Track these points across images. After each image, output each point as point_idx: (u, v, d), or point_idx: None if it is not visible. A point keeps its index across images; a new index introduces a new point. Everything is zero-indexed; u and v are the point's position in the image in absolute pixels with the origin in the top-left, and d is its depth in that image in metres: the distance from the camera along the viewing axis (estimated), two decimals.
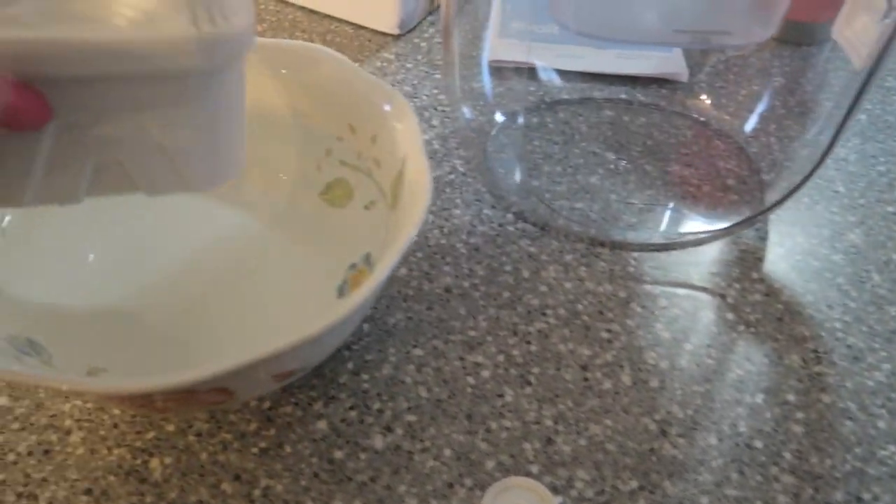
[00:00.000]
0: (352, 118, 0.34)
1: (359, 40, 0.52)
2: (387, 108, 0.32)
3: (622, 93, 0.48)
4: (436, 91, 0.48)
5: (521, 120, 0.45)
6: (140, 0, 0.22)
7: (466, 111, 0.42)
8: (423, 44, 0.52)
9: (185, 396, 0.25)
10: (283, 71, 0.35)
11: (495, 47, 0.47)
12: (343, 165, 0.35)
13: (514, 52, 0.47)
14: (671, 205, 0.40)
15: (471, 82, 0.43)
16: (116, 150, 0.25)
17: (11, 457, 0.29)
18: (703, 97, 0.47)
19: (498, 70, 0.47)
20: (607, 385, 0.33)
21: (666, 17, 0.27)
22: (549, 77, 0.47)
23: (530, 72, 0.47)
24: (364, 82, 0.33)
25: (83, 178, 0.25)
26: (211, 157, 0.27)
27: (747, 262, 0.38)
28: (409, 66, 0.50)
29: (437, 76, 0.49)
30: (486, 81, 0.43)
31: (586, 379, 0.33)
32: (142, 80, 0.23)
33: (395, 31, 0.52)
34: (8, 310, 0.28)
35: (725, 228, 0.39)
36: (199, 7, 0.22)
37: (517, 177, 0.42)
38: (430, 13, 0.54)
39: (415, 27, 0.53)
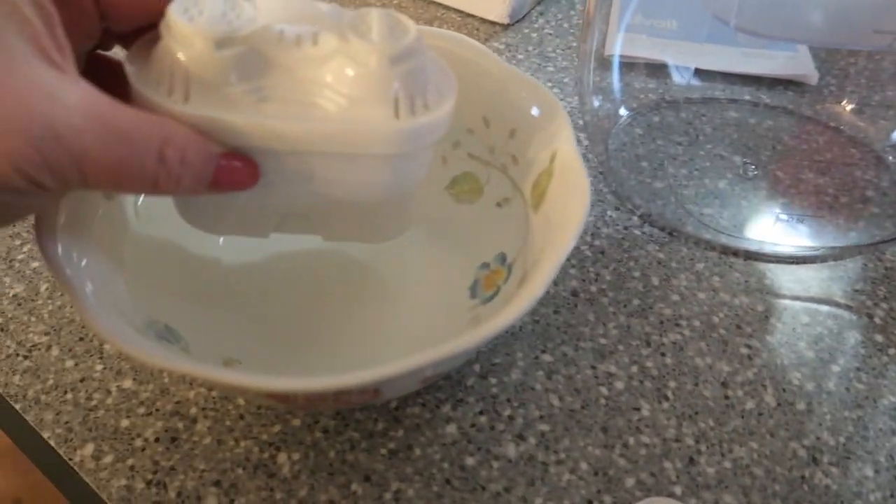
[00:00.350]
0: (487, 111, 0.33)
1: (466, 29, 0.51)
2: (530, 102, 0.31)
3: (746, 93, 0.45)
4: (549, 84, 0.46)
5: (643, 118, 0.43)
6: (348, 82, 0.23)
7: (597, 106, 0.40)
8: (534, 34, 0.50)
9: (336, 395, 0.24)
10: None
11: (614, 41, 0.45)
12: (472, 159, 0.34)
13: (632, 47, 0.45)
14: (807, 215, 0.38)
15: (592, 76, 0.41)
16: (306, 208, 0.27)
17: (139, 442, 0.29)
18: (835, 102, 0.44)
19: (610, 64, 0.45)
20: (750, 405, 0.31)
21: (866, 17, 0.25)
22: (673, 75, 0.45)
23: (650, 68, 0.45)
24: (505, 73, 0.31)
25: (272, 222, 0.28)
26: (388, 218, 0.29)
27: (894, 280, 0.36)
28: (520, 56, 0.48)
29: (550, 68, 0.47)
30: (615, 77, 0.41)
31: (727, 397, 0.31)
32: (339, 156, 0.24)
33: (505, 21, 0.50)
34: (145, 293, 0.28)
35: (870, 244, 0.36)
36: (402, 95, 0.23)
37: (641, 178, 0.40)
38: (539, 2, 0.53)
39: (524, 17, 0.52)
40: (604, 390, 0.31)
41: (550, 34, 0.50)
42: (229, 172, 0.23)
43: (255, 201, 0.26)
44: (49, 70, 0.19)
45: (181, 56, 0.22)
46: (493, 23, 0.51)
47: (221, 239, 0.33)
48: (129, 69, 0.23)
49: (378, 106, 0.23)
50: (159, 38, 0.23)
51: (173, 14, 0.22)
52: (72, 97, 0.19)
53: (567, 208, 0.27)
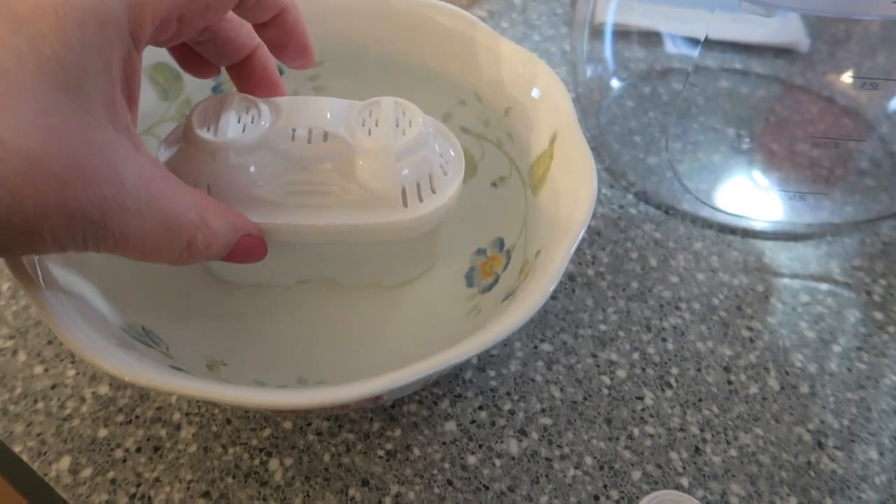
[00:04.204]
0: (479, 86, 0.31)
1: None
2: (527, 80, 0.29)
3: (736, 62, 0.44)
4: (536, 54, 0.44)
5: (634, 89, 0.41)
6: (358, 175, 0.25)
7: (589, 77, 0.38)
8: (517, 0, 0.48)
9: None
10: (402, 24, 0.31)
11: (605, 8, 0.43)
12: (464, 133, 0.32)
13: (623, 15, 0.43)
14: (803, 190, 0.37)
15: (586, 45, 0.40)
16: (334, 274, 0.31)
17: (119, 453, 0.27)
18: (827, 69, 0.43)
19: (601, 33, 0.43)
20: (754, 389, 0.30)
21: None
22: (664, 43, 0.43)
23: (641, 36, 0.43)
24: (500, 48, 0.29)
25: (295, 278, 0.31)
26: (406, 272, 0.31)
27: (892, 255, 0.35)
28: (504, 25, 0.46)
29: (536, 37, 0.45)
30: (608, 46, 0.40)
31: (730, 382, 0.30)
32: (354, 243, 0.27)
33: None
34: (119, 293, 0.25)
35: (867, 220, 0.36)
36: (409, 185, 0.25)
37: (635, 153, 0.38)
38: None
39: None
40: (606, 379, 0.30)
41: (535, 0, 0.48)
42: (243, 252, 0.24)
43: (281, 265, 0.28)
44: (116, 137, 0.19)
45: (202, 164, 0.24)
46: None
47: None
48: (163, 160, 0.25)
49: (387, 196, 0.25)
50: (183, 139, 0.25)
51: (193, 126, 0.24)
52: (133, 174, 0.19)
53: (571, 195, 0.25)
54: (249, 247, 0.24)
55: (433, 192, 0.26)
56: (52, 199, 0.17)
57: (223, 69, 0.27)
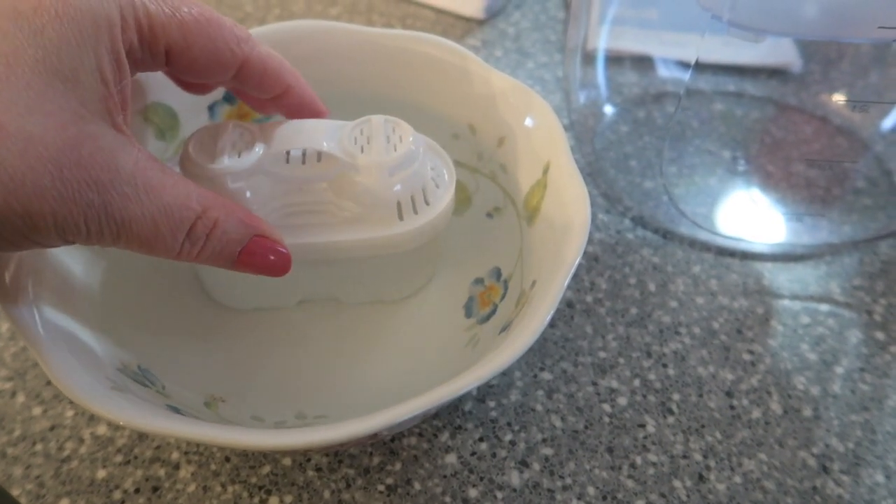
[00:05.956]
0: (473, 118, 0.31)
1: (441, 26, 0.48)
2: (520, 110, 0.29)
3: (730, 84, 0.44)
4: (530, 81, 0.44)
5: (628, 114, 0.42)
6: (353, 193, 0.26)
7: (583, 103, 0.38)
8: (511, 29, 0.48)
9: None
10: (392, 61, 0.31)
11: (597, 35, 0.43)
12: (459, 166, 0.32)
13: (614, 40, 0.43)
14: (801, 211, 0.37)
15: (578, 72, 0.40)
16: (335, 292, 0.31)
17: (118, 494, 0.27)
18: (820, 89, 0.44)
19: (594, 59, 0.43)
20: (756, 414, 0.30)
21: (870, 12, 0.24)
22: (657, 67, 0.43)
23: (633, 61, 0.44)
24: (492, 79, 0.30)
25: (296, 299, 0.31)
26: (406, 286, 0.31)
27: (891, 274, 0.35)
28: (498, 54, 0.46)
29: (530, 65, 0.45)
30: (601, 71, 0.40)
31: (732, 407, 0.30)
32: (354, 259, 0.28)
33: (481, 16, 0.48)
34: (113, 332, 0.26)
35: (866, 240, 0.36)
36: (403, 198, 0.26)
37: (631, 178, 0.38)
38: None
39: (500, 11, 0.50)
40: (607, 407, 0.30)
41: (528, 28, 0.48)
42: (259, 255, 0.23)
43: (282, 286, 0.27)
44: (111, 131, 0.19)
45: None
46: (468, 19, 0.49)
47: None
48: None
49: (383, 210, 0.26)
50: (181, 168, 0.25)
51: (190, 154, 0.24)
52: (128, 163, 0.19)
53: (565, 226, 0.25)
54: (265, 250, 0.23)
55: (427, 204, 0.27)
56: (48, 181, 0.17)
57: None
